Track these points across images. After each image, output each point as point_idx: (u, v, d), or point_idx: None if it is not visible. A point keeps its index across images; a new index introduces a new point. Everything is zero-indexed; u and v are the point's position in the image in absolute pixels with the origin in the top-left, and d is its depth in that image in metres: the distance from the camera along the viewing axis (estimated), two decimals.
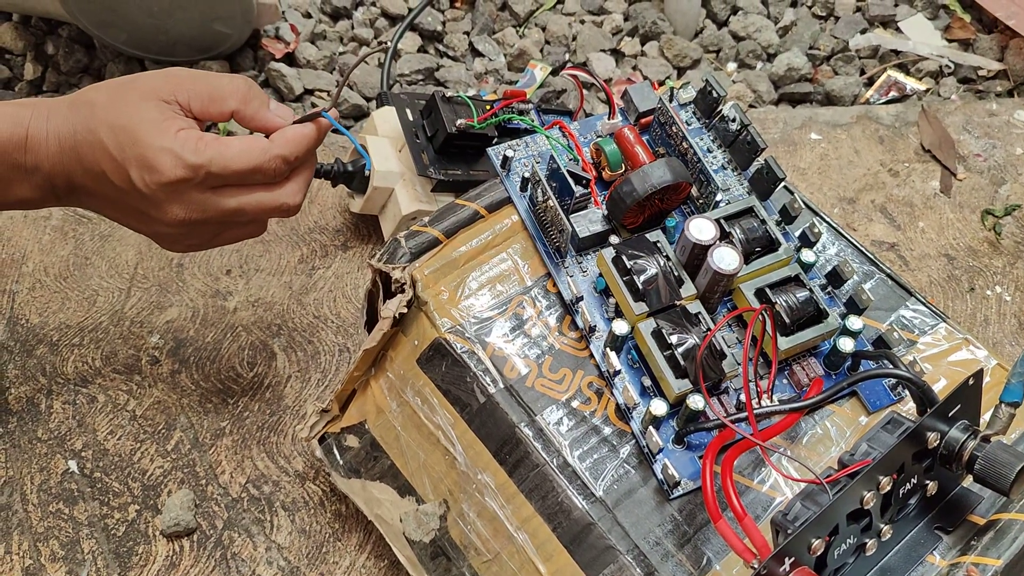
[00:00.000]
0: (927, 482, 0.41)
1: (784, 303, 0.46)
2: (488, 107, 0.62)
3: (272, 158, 0.47)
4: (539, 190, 0.49)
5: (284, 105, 0.51)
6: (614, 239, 0.49)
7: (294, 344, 0.62)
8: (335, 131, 0.50)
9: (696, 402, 0.43)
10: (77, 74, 0.81)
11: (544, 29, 0.86)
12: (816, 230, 0.50)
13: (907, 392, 0.46)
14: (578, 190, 0.48)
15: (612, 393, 0.46)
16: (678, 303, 0.46)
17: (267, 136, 0.49)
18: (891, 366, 0.44)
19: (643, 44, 0.86)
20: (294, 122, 0.49)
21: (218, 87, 0.48)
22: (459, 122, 0.61)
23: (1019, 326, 0.65)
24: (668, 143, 0.52)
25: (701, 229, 0.46)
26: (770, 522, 0.38)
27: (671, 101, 0.54)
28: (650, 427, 0.44)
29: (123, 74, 0.79)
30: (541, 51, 0.85)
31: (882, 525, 0.40)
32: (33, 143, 0.47)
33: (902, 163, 0.75)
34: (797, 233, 0.51)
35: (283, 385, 0.61)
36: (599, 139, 0.52)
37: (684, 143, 0.50)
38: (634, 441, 0.45)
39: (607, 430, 0.45)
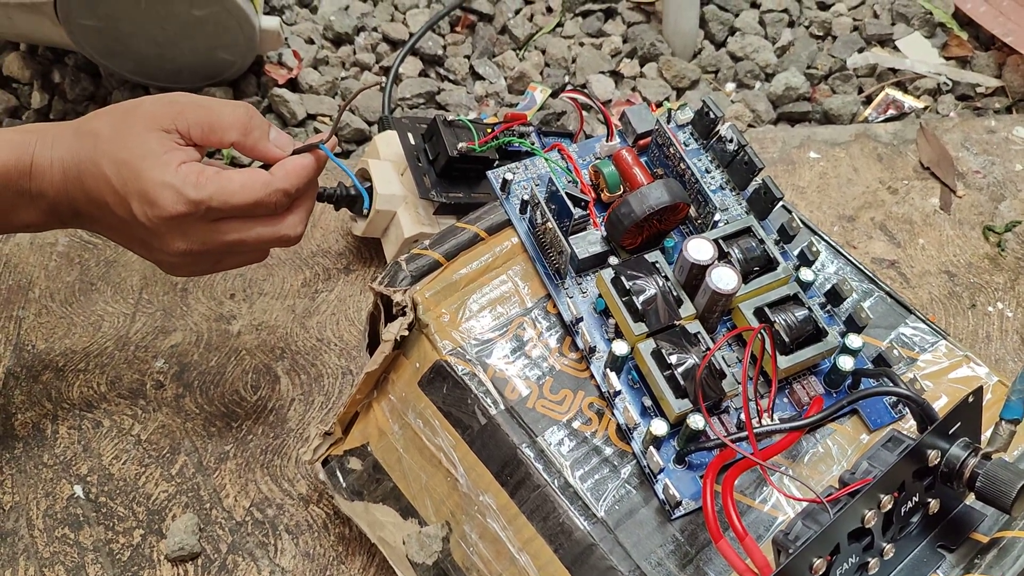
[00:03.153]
0: (929, 500, 0.41)
1: (783, 322, 0.46)
2: (489, 130, 0.63)
3: (273, 192, 0.48)
4: (538, 212, 0.50)
5: (284, 133, 0.51)
6: (613, 260, 0.50)
7: (297, 367, 0.63)
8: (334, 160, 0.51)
9: (696, 422, 0.43)
10: (83, 102, 0.82)
11: (544, 52, 0.87)
12: (814, 248, 0.50)
13: (908, 410, 0.46)
14: (577, 212, 0.49)
15: (613, 413, 0.46)
16: (677, 323, 0.46)
17: (267, 165, 0.50)
18: (891, 384, 0.44)
19: (642, 65, 0.86)
20: (293, 152, 0.50)
21: (219, 118, 0.48)
22: (460, 145, 0.61)
23: (1021, 342, 0.65)
24: (666, 164, 0.52)
25: (699, 249, 0.46)
26: (771, 542, 0.38)
27: (669, 122, 0.55)
28: (651, 447, 0.44)
29: None
30: (541, 73, 0.86)
31: (884, 544, 0.40)
32: (38, 171, 0.48)
33: (901, 181, 0.75)
34: (796, 252, 0.51)
35: (286, 408, 0.61)
36: (598, 161, 0.52)
37: (682, 164, 0.51)
38: (635, 461, 0.45)
39: (608, 450, 0.45)
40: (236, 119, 0.48)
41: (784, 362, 0.45)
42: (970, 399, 0.40)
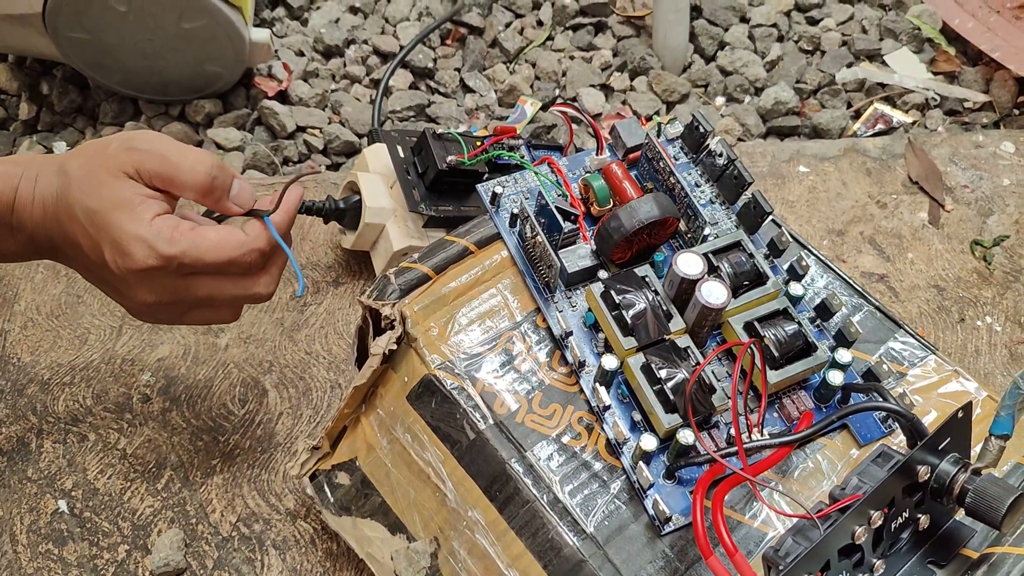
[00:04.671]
0: (919, 516, 0.41)
1: (773, 336, 0.46)
2: (478, 143, 0.63)
3: (248, 252, 0.47)
4: (528, 226, 0.49)
5: (246, 186, 0.49)
6: (603, 274, 0.49)
7: (285, 381, 0.62)
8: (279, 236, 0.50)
9: (686, 437, 0.43)
10: (71, 114, 0.82)
11: (534, 65, 0.87)
12: (804, 263, 0.50)
13: (897, 425, 0.46)
14: (566, 226, 0.48)
15: (602, 428, 0.46)
16: (667, 337, 0.46)
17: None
18: (880, 399, 0.44)
19: (632, 79, 0.87)
20: (247, 212, 0.49)
21: (177, 173, 0.47)
22: (449, 159, 0.61)
23: (1010, 356, 0.65)
24: (656, 178, 0.52)
25: (689, 264, 0.46)
26: (761, 558, 0.38)
27: (658, 136, 0.55)
28: (640, 462, 0.44)
29: (116, 114, 0.80)
30: (531, 87, 0.86)
31: (874, 560, 0.40)
32: (20, 205, 0.48)
33: (890, 195, 0.75)
34: (785, 266, 0.51)
35: (274, 422, 0.60)
36: (587, 175, 0.52)
37: (672, 178, 0.51)
38: (625, 476, 0.45)
39: (597, 465, 0.45)
40: (195, 180, 0.47)
41: (774, 377, 0.45)
42: (960, 414, 0.40)
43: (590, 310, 0.48)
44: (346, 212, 0.65)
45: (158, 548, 0.54)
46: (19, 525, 0.55)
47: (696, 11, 0.90)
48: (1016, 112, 0.85)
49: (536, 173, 0.53)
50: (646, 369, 0.44)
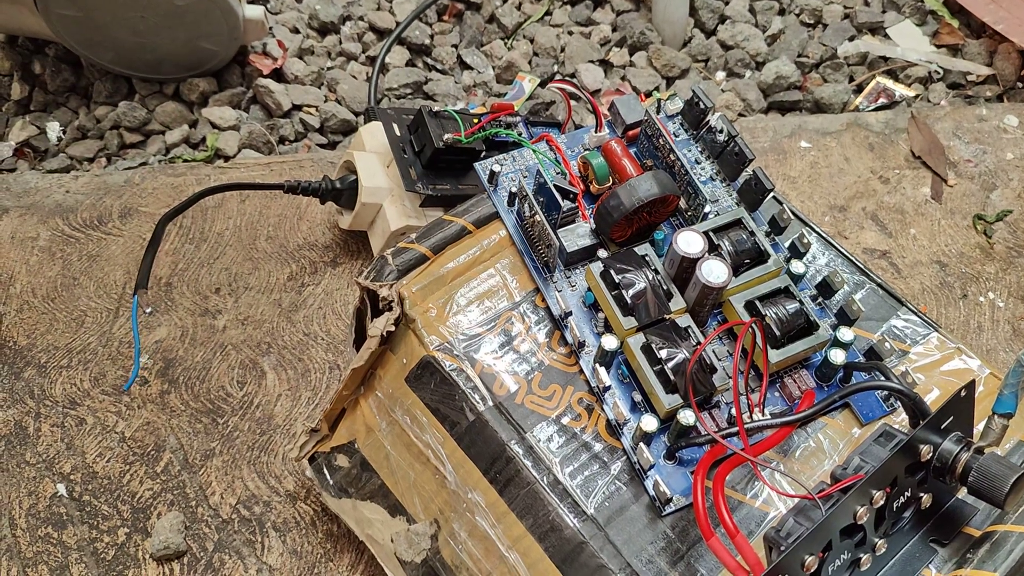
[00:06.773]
0: (921, 495, 0.41)
1: (774, 315, 0.45)
2: (475, 121, 0.62)
3: None
4: (526, 205, 0.49)
5: None
6: (602, 253, 0.49)
7: (284, 362, 0.62)
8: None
9: (687, 417, 0.43)
10: (64, 93, 0.81)
11: (532, 41, 0.86)
12: (805, 240, 0.49)
13: (900, 403, 0.46)
14: (565, 204, 0.48)
15: (602, 409, 0.45)
16: (667, 317, 0.45)
17: None
18: (883, 378, 0.44)
19: (631, 54, 0.86)
20: None
21: None
22: (446, 137, 0.61)
23: (1013, 332, 0.65)
24: (656, 155, 0.52)
25: (689, 242, 0.45)
26: (763, 539, 0.38)
27: (658, 113, 0.54)
28: (641, 443, 0.43)
29: (110, 93, 0.79)
30: (529, 63, 0.85)
31: (876, 539, 0.39)
32: None
33: (892, 170, 0.74)
34: (787, 244, 0.50)
35: (273, 404, 0.60)
36: (586, 152, 0.51)
37: (671, 155, 0.50)
38: (625, 457, 0.44)
39: (598, 446, 0.45)
40: None
41: (775, 356, 0.45)
42: (962, 393, 0.40)
43: (589, 290, 0.47)
44: (343, 192, 0.64)
45: (158, 531, 0.53)
46: (18, 509, 0.55)
47: None
48: (1020, 85, 0.84)
49: (534, 151, 0.52)
50: (646, 349, 0.44)
